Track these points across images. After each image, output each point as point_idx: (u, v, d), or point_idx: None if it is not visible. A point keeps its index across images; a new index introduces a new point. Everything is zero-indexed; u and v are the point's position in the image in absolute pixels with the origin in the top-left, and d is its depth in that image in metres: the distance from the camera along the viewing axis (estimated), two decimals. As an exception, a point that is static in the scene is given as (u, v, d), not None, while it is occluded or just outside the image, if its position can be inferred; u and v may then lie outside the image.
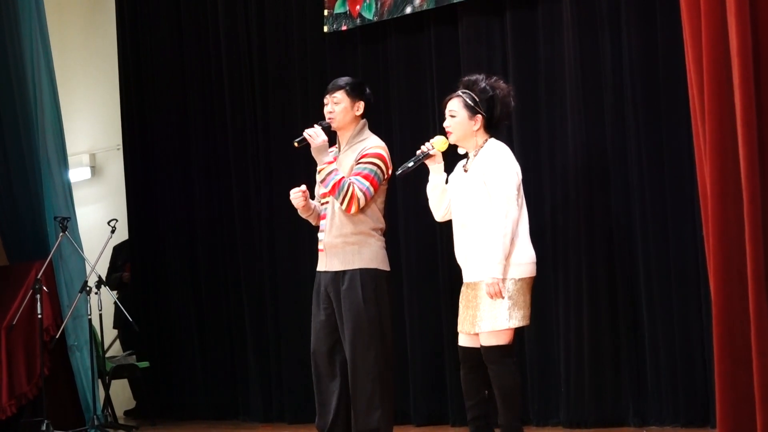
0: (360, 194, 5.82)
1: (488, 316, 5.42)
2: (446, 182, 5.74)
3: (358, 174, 5.86)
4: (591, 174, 6.95)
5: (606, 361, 6.84)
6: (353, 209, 5.84)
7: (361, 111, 6.04)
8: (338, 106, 6.01)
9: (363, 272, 5.90)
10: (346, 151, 6.01)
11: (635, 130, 6.79)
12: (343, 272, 5.92)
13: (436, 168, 5.68)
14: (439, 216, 5.81)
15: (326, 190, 5.89)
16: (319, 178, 5.94)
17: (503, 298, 5.37)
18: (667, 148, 6.66)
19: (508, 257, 5.39)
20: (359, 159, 5.91)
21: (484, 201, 5.46)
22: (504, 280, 5.38)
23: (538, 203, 7.04)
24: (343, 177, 5.83)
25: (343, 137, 6.06)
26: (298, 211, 6.11)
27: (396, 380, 7.73)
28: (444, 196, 5.70)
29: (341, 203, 5.83)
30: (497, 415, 5.53)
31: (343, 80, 6.09)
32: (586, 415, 6.86)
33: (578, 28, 6.97)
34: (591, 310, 6.86)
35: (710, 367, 6.11)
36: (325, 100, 6.07)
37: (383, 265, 5.99)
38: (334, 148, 6.11)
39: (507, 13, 7.31)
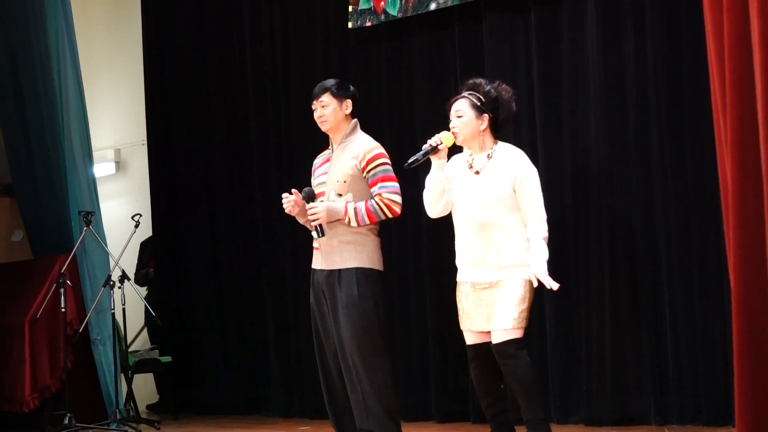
0: (393, 196, 5.92)
1: (505, 314, 5.44)
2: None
3: (378, 180, 5.91)
4: (613, 173, 6.94)
5: (627, 359, 6.82)
6: (398, 210, 5.95)
7: (350, 109, 6.11)
8: (327, 108, 6.08)
9: (359, 271, 5.93)
10: (339, 152, 6.06)
11: (658, 129, 6.77)
12: (339, 271, 5.95)
13: (439, 164, 5.68)
14: (435, 213, 5.82)
15: (366, 223, 5.91)
16: (353, 223, 5.93)
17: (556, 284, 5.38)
18: (689, 147, 6.64)
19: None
20: (368, 167, 5.94)
21: (510, 204, 5.49)
22: (542, 262, 5.42)
23: (560, 203, 7.03)
24: (365, 203, 5.89)
25: (335, 138, 6.12)
26: (297, 218, 6.14)
27: (416, 377, 7.80)
28: (444, 193, 5.72)
29: (387, 219, 5.91)
30: (516, 411, 5.53)
31: (329, 82, 6.17)
32: (607, 413, 6.84)
33: (602, 26, 6.96)
34: (612, 308, 6.85)
35: (732, 366, 6.08)
36: (313, 106, 6.14)
37: (378, 264, 6.03)
38: (326, 152, 6.16)
39: (531, 10, 7.30)
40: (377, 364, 5.86)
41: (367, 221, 5.90)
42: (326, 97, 6.08)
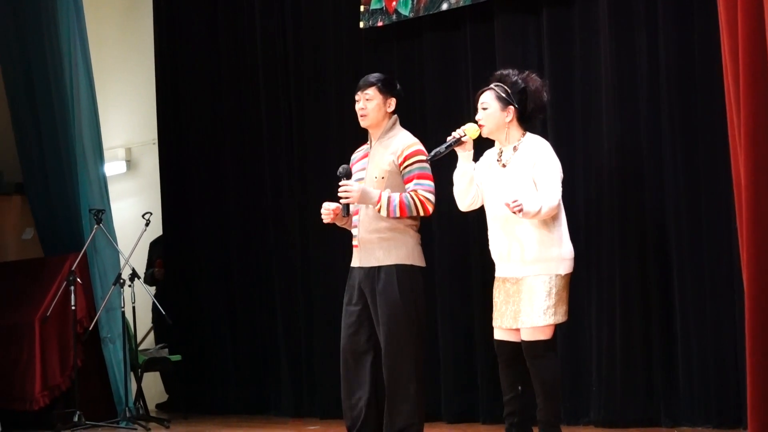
0: (428, 194, 5.86)
1: (532, 311, 5.41)
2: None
3: (414, 177, 5.87)
4: (625, 173, 6.92)
5: (638, 361, 6.80)
6: (431, 209, 5.88)
7: (392, 107, 6.05)
8: (371, 102, 6.00)
9: (399, 268, 5.88)
10: (378, 147, 6.01)
11: (670, 129, 6.75)
12: (378, 268, 5.90)
13: (465, 155, 5.64)
14: (464, 205, 5.79)
15: (395, 216, 5.84)
16: (383, 213, 5.89)
17: (517, 213, 5.30)
18: (701, 148, 6.62)
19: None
20: (405, 162, 5.89)
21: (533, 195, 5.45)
22: (526, 213, 5.32)
23: (572, 201, 7.00)
24: (400, 196, 5.83)
25: (374, 134, 6.06)
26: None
27: (427, 377, 7.78)
28: (472, 185, 5.67)
29: (419, 214, 5.85)
30: (533, 410, 5.52)
31: (375, 77, 6.07)
32: (618, 415, 6.82)
33: (614, 26, 6.93)
34: (623, 309, 6.83)
35: (743, 368, 6.06)
36: (357, 97, 6.05)
37: (419, 261, 5.98)
38: (365, 146, 6.12)
39: (543, 11, 7.28)
40: (413, 362, 5.83)
41: (398, 214, 5.83)
42: (372, 91, 6.00)
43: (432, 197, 5.89)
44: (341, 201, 5.89)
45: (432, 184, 5.91)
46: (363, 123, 6.05)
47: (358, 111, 6.03)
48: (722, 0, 4.54)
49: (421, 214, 5.88)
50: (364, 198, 5.84)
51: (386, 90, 6.01)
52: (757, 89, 3.88)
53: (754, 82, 3.89)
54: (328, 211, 5.96)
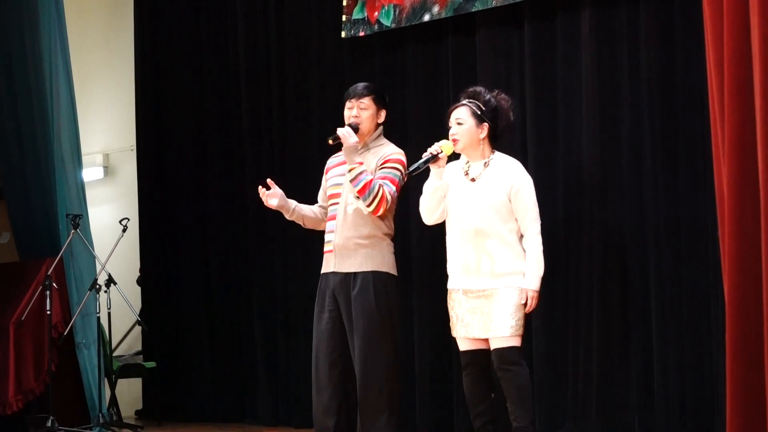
0: (388, 196, 5.86)
1: (504, 320, 5.45)
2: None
3: (384, 178, 5.89)
4: (606, 188, 6.95)
5: (614, 371, 6.83)
6: (381, 211, 5.87)
7: (382, 119, 6.10)
8: (365, 111, 6.03)
9: (375, 275, 5.90)
10: (364, 154, 6.03)
11: (651, 145, 6.78)
12: (355, 274, 5.91)
13: (438, 172, 5.70)
14: (431, 220, 5.85)
15: (356, 189, 5.85)
16: (348, 176, 5.89)
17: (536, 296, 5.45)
18: (682, 163, 6.66)
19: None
20: (382, 164, 5.93)
21: (505, 212, 5.51)
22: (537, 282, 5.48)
23: (552, 216, 7.03)
24: (372, 178, 5.84)
25: (360, 141, 6.07)
26: (283, 213, 6.12)
27: (401, 387, 7.79)
28: (442, 201, 5.73)
29: (369, 204, 5.83)
30: (506, 417, 5.54)
31: (370, 86, 6.12)
32: (593, 426, 6.85)
33: (597, 40, 6.97)
34: (601, 320, 6.86)
35: (719, 380, 6.11)
36: (350, 104, 6.05)
37: (393, 269, 6.02)
38: (342, 153, 6.14)
39: (525, 24, 7.31)
40: (388, 368, 5.84)
41: (359, 187, 5.83)
42: (368, 101, 6.04)
43: (389, 202, 5.88)
44: (339, 131, 5.92)
45: (395, 192, 5.93)
46: (358, 128, 6.04)
47: (350, 118, 6.03)
48: (708, 12, 4.59)
49: (371, 207, 5.85)
50: (351, 150, 5.88)
51: (380, 102, 6.08)
52: (742, 100, 3.93)
53: (738, 93, 3.94)
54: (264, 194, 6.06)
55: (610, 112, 6.95)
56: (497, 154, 5.71)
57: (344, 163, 6.04)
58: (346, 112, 6.07)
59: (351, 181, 5.87)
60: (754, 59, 3.88)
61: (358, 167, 5.86)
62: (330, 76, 8.37)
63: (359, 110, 6.02)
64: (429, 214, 5.78)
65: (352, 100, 6.05)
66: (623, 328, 6.84)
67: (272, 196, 6.15)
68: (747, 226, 3.99)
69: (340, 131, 5.92)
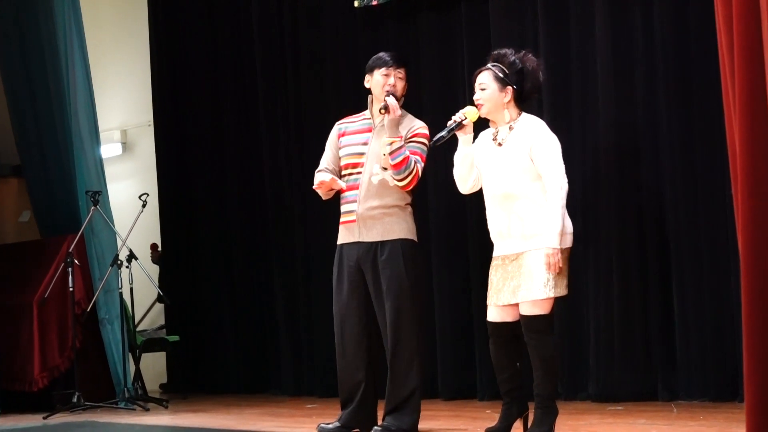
0: (420, 173, 5.85)
1: (532, 285, 5.40)
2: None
3: (415, 153, 5.85)
4: (621, 151, 6.93)
5: (636, 336, 6.83)
6: (411, 186, 5.86)
7: (405, 92, 6.06)
8: (401, 81, 5.98)
9: (403, 243, 5.89)
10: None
11: (666, 107, 6.76)
12: (382, 242, 5.89)
13: (466, 139, 5.64)
14: (466, 188, 5.78)
15: (393, 162, 5.81)
16: (388, 149, 5.85)
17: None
18: (697, 122, 6.64)
19: None
20: (411, 137, 5.89)
21: (532, 173, 5.45)
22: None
23: (568, 177, 6.93)
24: (409, 155, 5.81)
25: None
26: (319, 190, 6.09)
27: (426, 353, 7.82)
28: (473, 168, 5.68)
29: (403, 179, 5.79)
30: (530, 385, 5.52)
31: (404, 57, 6.08)
32: (615, 389, 6.85)
33: (610, 4, 6.94)
34: (621, 285, 6.85)
35: (739, 342, 6.08)
36: (386, 71, 5.92)
37: (415, 236, 6.00)
38: (362, 119, 6.09)
39: (538, -13, 7.29)
40: (415, 336, 5.85)
41: (398, 161, 5.77)
42: (403, 72, 6.00)
43: (419, 179, 5.87)
44: (389, 102, 5.81)
45: (423, 167, 5.90)
46: (384, 99, 5.92)
47: (387, 86, 5.93)
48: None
49: (403, 182, 5.82)
50: (395, 123, 5.81)
51: (407, 74, 6.04)
52: (752, 57, 3.88)
53: (749, 49, 3.90)
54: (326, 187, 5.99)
55: (624, 72, 6.92)
56: (523, 116, 5.60)
57: (365, 131, 5.98)
58: (381, 79, 5.94)
59: (390, 153, 5.82)
60: (762, 15, 3.85)
61: (398, 141, 5.81)
62: (344, 45, 8.35)
63: (397, 79, 5.97)
64: (463, 183, 5.74)
65: (390, 69, 5.95)
66: (643, 291, 6.83)
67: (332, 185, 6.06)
68: (760, 184, 3.96)
69: (390, 101, 5.84)
